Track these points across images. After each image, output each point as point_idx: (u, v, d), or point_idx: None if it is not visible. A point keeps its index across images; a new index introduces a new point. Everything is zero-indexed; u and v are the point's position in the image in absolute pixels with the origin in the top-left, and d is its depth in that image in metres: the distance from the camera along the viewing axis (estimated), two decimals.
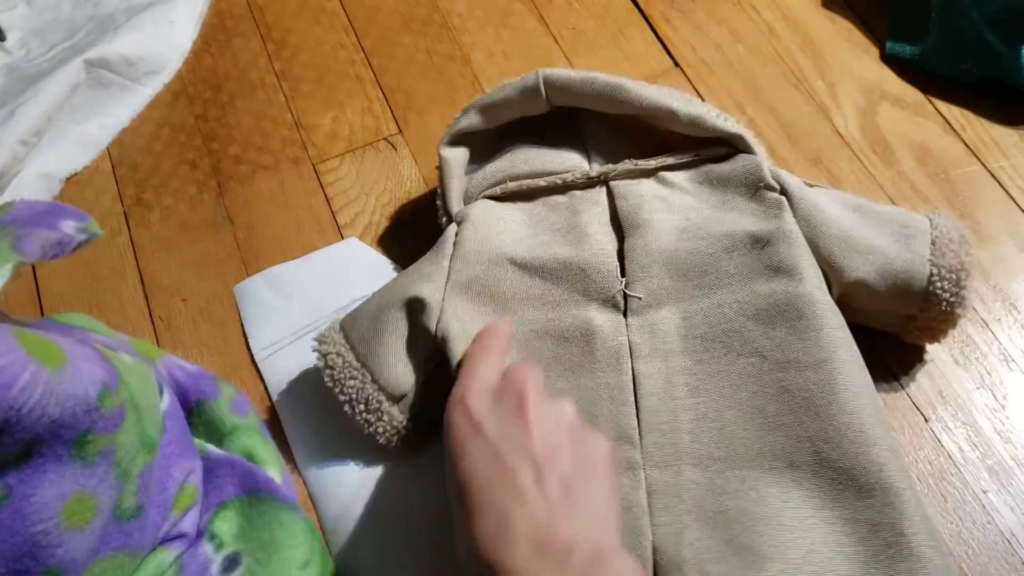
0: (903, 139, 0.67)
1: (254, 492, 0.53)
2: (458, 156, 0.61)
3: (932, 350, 0.58)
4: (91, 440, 0.41)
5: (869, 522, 0.46)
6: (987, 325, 0.59)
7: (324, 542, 0.54)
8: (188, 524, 0.51)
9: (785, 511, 0.47)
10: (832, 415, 0.48)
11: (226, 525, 0.52)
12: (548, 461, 0.41)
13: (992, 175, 0.65)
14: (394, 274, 0.63)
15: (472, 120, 0.60)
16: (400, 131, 0.72)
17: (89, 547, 0.42)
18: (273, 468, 0.55)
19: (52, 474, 0.39)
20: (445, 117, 0.62)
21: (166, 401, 0.52)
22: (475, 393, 0.45)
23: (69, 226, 0.50)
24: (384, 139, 0.72)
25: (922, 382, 0.57)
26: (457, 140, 0.61)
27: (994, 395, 0.56)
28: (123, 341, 0.57)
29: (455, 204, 0.60)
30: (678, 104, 0.58)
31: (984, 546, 0.51)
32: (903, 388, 0.57)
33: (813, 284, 0.52)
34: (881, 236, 0.54)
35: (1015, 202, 0.64)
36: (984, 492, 0.53)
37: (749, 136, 0.58)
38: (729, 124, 0.58)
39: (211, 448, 0.54)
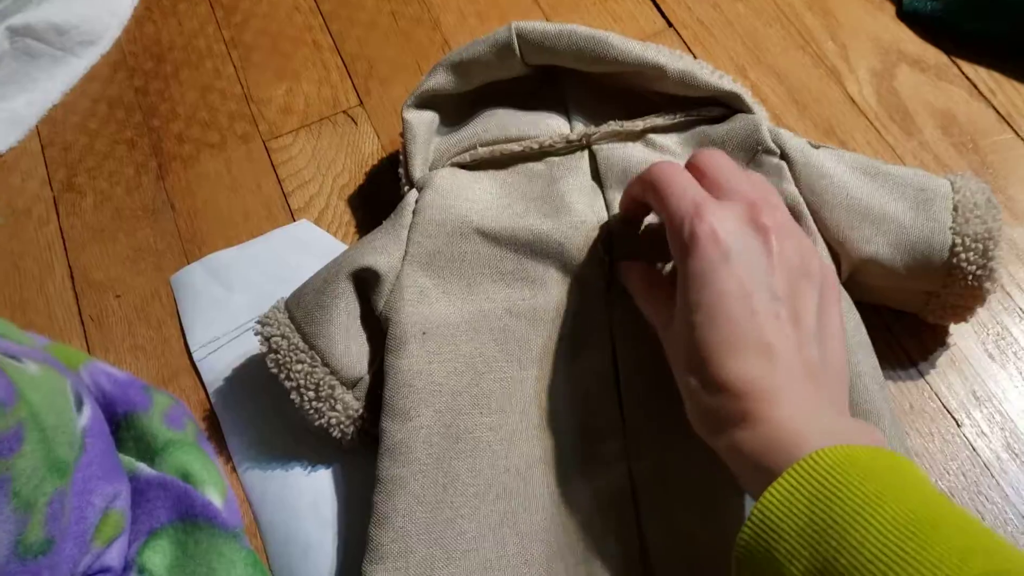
0: (925, 106, 0.60)
1: (190, 518, 0.47)
2: (424, 120, 0.54)
3: (963, 344, 0.51)
4: None
5: None
6: None
7: (270, 574, 0.48)
8: (113, 556, 0.45)
9: None
10: None
11: (158, 556, 0.47)
12: (792, 296, 0.40)
13: None
14: None
15: (439, 79, 0.54)
16: (361, 103, 0.65)
17: None
18: (213, 489, 0.49)
19: None
20: (411, 86, 0.55)
21: (87, 415, 0.46)
22: (719, 217, 0.41)
23: None
24: (343, 112, 0.64)
25: (953, 381, 0.50)
26: (424, 103, 0.55)
27: None
28: (38, 346, 0.50)
29: (419, 172, 0.53)
30: (666, 59, 0.52)
31: None
32: (931, 388, 0.50)
33: None
34: (895, 202, 0.48)
35: None
36: None
37: (747, 94, 0.52)
38: (724, 81, 0.53)
39: (141, 467, 0.49)
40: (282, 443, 0.51)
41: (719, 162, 0.45)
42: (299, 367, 0.48)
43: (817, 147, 0.51)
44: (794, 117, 0.60)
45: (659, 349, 0.45)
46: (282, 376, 0.48)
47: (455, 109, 0.56)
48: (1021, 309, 0.52)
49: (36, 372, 0.42)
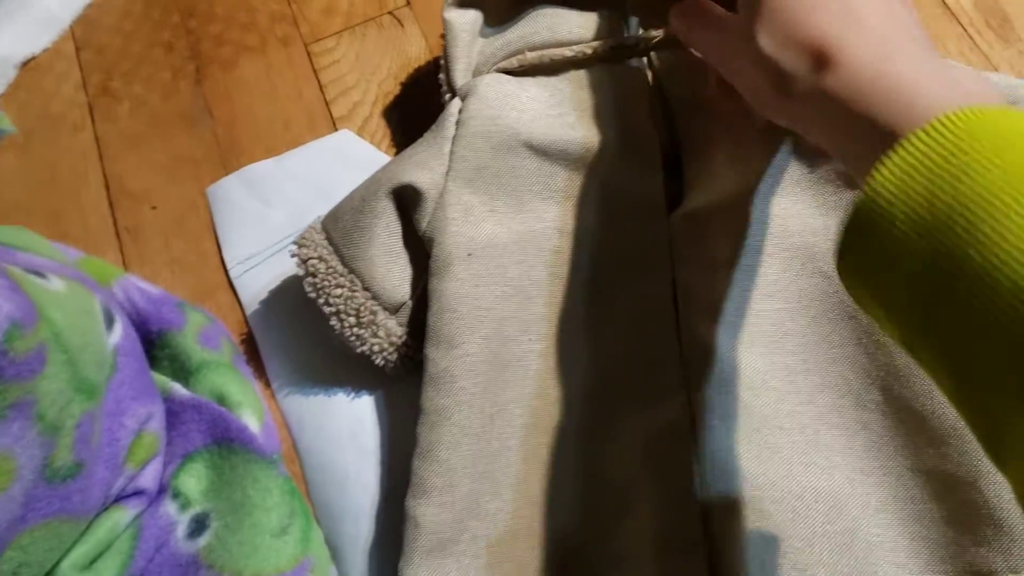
0: None
1: (225, 442, 0.46)
2: (467, 20, 0.50)
3: None
4: None
5: (944, 475, 0.40)
6: None
7: (308, 501, 0.46)
8: (148, 479, 0.44)
9: (850, 459, 0.41)
10: None
11: (193, 480, 0.46)
12: None
13: None
14: None
15: None
16: (408, 2, 0.61)
17: (10, 516, 0.36)
18: (249, 412, 0.47)
19: None
20: None
21: (118, 334, 0.44)
22: None
23: None
24: (389, 13, 0.60)
25: None
26: (466, 1, 0.50)
27: None
28: (69, 261, 0.48)
29: (460, 78, 0.49)
30: None
31: None
32: None
33: None
34: None
35: None
36: None
37: None
38: None
39: (176, 388, 0.47)
40: (322, 367, 0.49)
41: None
42: (338, 291, 0.45)
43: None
44: None
45: (720, 277, 0.41)
46: (320, 301, 0.46)
47: (502, 7, 0.51)
48: None
49: (61, 289, 0.41)
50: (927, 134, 0.26)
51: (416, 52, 0.59)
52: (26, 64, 0.62)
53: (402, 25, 0.60)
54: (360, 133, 0.56)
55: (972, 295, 0.24)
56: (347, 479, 0.46)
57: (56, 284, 0.40)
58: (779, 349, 0.43)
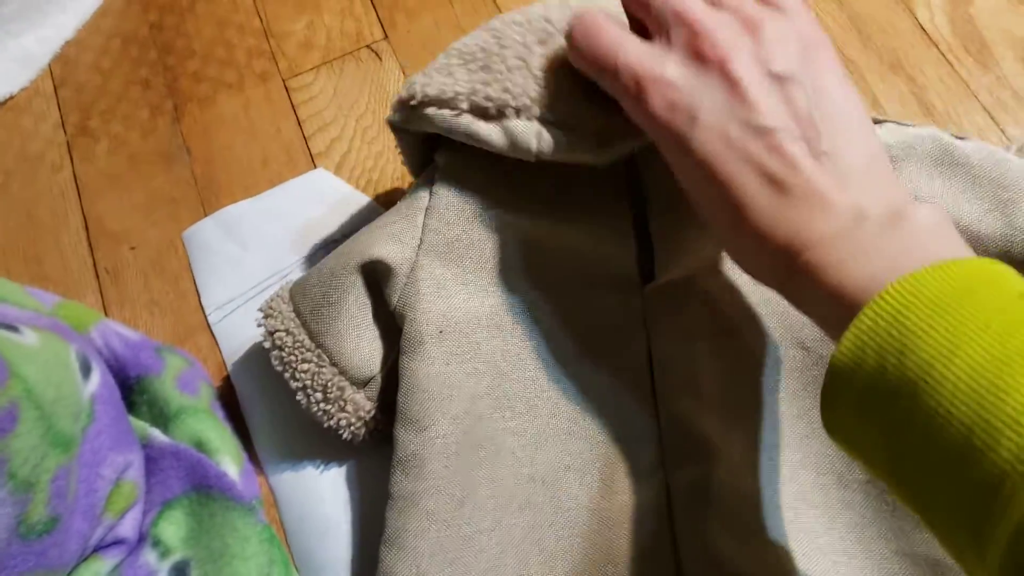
0: (1003, 35, 0.55)
1: (204, 489, 0.46)
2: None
3: None
4: None
5: (932, 561, 0.40)
6: None
7: (287, 549, 0.46)
8: (127, 528, 0.44)
9: (832, 541, 0.41)
10: None
11: (173, 528, 0.45)
12: (789, 126, 0.34)
13: None
14: (373, 213, 0.52)
15: (402, 117, 0.46)
16: (386, 36, 0.61)
17: None
18: (228, 458, 0.47)
19: None
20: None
21: (96, 381, 0.44)
22: (655, 63, 0.35)
23: None
24: (367, 47, 0.60)
25: None
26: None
27: None
28: (45, 309, 0.48)
29: (418, 170, 0.48)
30: None
31: None
32: None
33: None
34: (970, 203, 0.43)
35: None
36: None
37: None
38: None
39: (155, 434, 0.47)
40: (302, 418, 0.48)
41: None
42: (305, 367, 0.44)
43: (880, 123, 0.45)
44: (857, 49, 0.55)
45: (699, 350, 0.41)
46: (287, 375, 0.45)
47: None
48: None
49: (34, 342, 0.40)
50: (872, 310, 0.29)
51: (394, 86, 0.59)
52: (4, 103, 0.62)
53: (380, 59, 0.60)
54: (338, 169, 0.56)
55: (924, 455, 0.27)
56: (327, 531, 0.46)
57: (30, 338, 0.40)
58: (756, 426, 0.43)
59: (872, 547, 0.40)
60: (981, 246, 0.42)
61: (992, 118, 0.52)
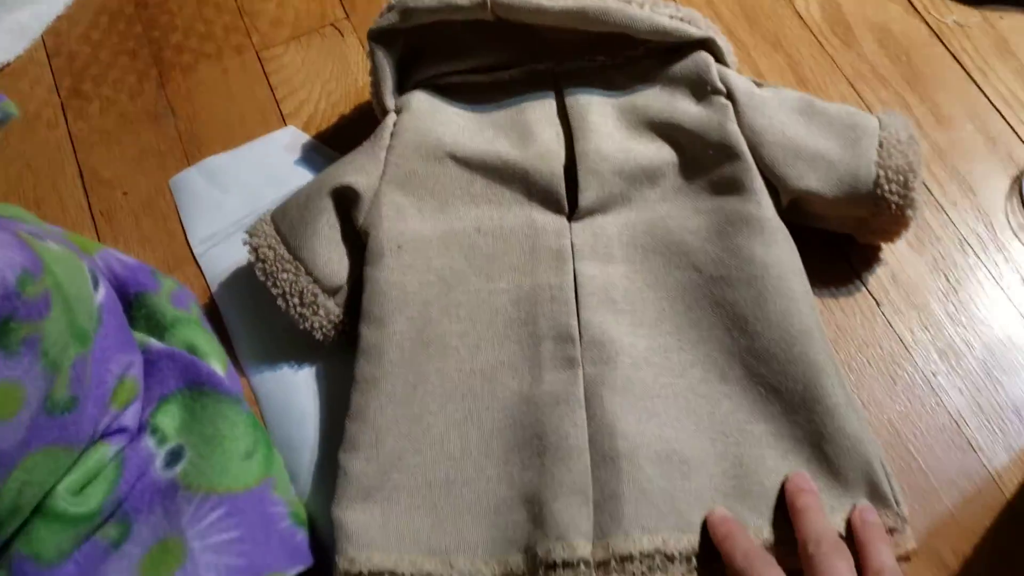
0: (864, 20, 0.65)
1: (196, 385, 0.52)
2: (390, 52, 0.57)
3: None
4: (13, 328, 0.40)
5: (794, 437, 0.47)
6: (943, 209, 0.58)
7: (267, 433, 0.54)
8: (129, 418, 0.50)
9: (713, 423, 0.48)
10: (759, 332, 0.49)
11: (168, 419, 0.51)
12: None
13: (954, 57, 0.63)
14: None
15: (394, 20, 0.56)
16: (347, 16, 0.70)
17: (17, 439, 0.41)
18: (215, 360, 0.54)
19: None
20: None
21: (102, 293, 0.50)
22: None
23: None
24: (331, 24, 0.69)
25: (875, 268, 0.56)
26: (384, 37, 0.57)
27: (947, 278, 0.55)
28: (57, 232, 0.55)
29: (389, 99, 0.57)
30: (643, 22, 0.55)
31: (932, 428, 0.51)
32: (856, 274, 0.56)
33: (753, 200, 0.52)
34: (828, 140, 0.53)
35: (976, 84, 0.62)
36: (933, 374, 0.52)
37: (719, 36, 0.56)
38: (693, 29, 0.55)
39: (152, 341, 0.53)
40: (279, 331, 0.56)
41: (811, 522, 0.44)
42: (284, 276, 0.53)
43: (760, 85, 0.55)
44: (745, 31, 0.65)
45: (612, 272, 0.51)
46: (269, 284, 0.53)
47: (421, 32, 0.58)
48: (939, 203, 0.58)
49: (57, 250, 0.47)
50: None
51: (355, 58, 0.67)
52: (1, 70, 0.69)
53: (342, 35, 0.68)
54: (306, 128, 0.64)
55: None
56: (304, 417, 0.54)
57: (53, 246, 0.47)
58: (658, 332, 0.51)
59: (746, 428, 0.48)
60: (834, 170, 0.52)
61: (853, 87, 0.63)
